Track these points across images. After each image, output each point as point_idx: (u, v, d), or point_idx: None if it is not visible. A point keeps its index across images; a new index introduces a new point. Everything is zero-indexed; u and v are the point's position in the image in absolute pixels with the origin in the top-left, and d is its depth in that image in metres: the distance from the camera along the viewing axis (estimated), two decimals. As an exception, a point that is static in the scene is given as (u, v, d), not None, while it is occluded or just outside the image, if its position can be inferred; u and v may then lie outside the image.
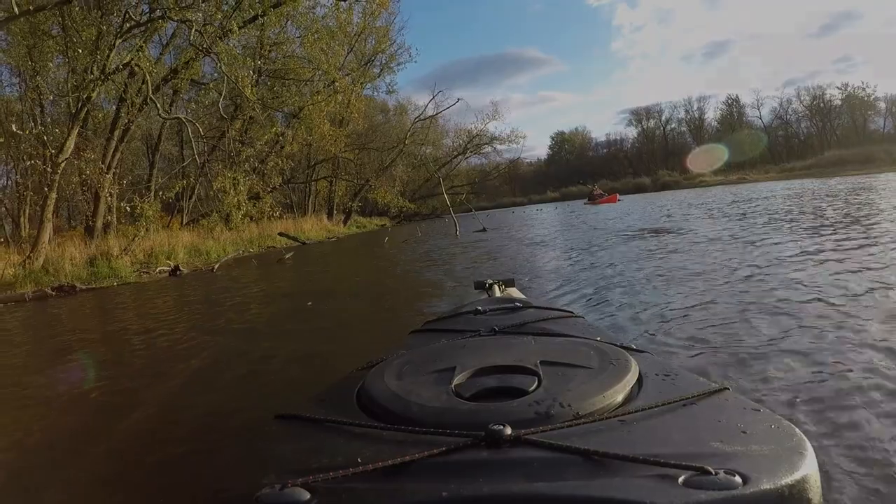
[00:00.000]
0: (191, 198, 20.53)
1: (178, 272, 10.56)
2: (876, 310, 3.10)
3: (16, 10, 8.13)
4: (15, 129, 10.49)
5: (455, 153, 41.84)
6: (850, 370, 2.25)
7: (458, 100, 41.21)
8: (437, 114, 35.73)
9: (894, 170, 29.65)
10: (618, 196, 35.63)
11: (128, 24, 10.15)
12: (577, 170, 61.75)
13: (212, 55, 11.34)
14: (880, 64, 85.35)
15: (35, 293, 8.15)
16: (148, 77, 10.68)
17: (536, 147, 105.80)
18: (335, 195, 30.98)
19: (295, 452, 0.94)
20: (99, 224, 13.70)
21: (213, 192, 14.99)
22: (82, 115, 11.21)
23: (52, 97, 13.85)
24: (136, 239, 11.72)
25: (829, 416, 1.84)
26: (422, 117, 35.36)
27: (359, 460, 0.81)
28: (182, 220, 19.41)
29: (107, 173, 12.04)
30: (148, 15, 10.69)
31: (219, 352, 3.89)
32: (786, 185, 28.63)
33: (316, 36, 17.25)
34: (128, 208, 11.44)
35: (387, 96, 32.17)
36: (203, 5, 10.17)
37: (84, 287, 8.68)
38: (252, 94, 11.64)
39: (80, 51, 9.97)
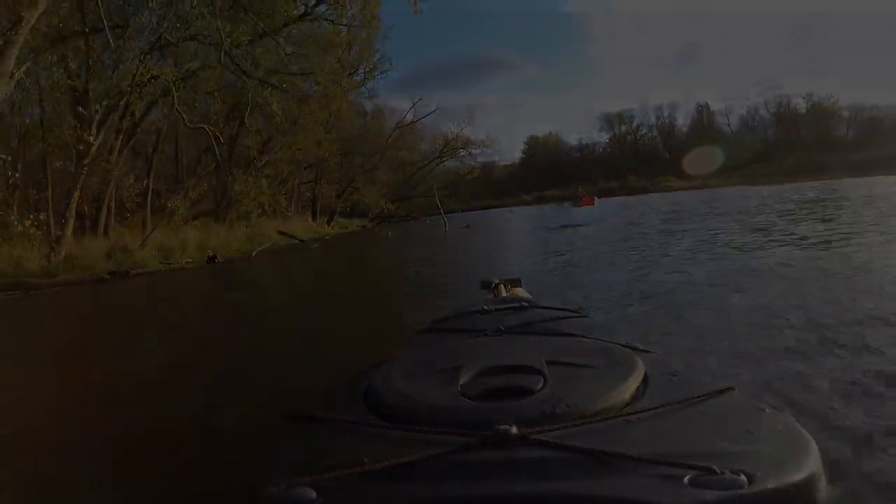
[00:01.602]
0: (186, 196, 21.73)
1: (215, 260, 11.95)
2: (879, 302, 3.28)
3: (110, 36, 9.24)
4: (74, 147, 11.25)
5: (432, 157, 43.30)
6: (854, 365, 2.30)
7: (436, 108, 43.18)
8: (416, 120, 37.45)
9: (847, 175, 31.64)
10: (595, 199, 36.52)
11: (160, 42, 11.40)
12: (551, 174, 63.22)
13: (236, 74, 12.65)
14: (847, 71, 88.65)
15: (93, 277, 9.42)
16: (174, 90, 11.92)
17: (511, 150, 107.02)
18: (320, 197, 32.04)
19: (302, 451, 0.96)
20: (102, 220, 14.87)
21: (225, 193, 16.29)
22: (108, 121, 12.40)
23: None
24: (152, 232, 13.00)
25: (834, 415, 1.86)
26: (402, 124, 37.03)
27: (365, 460, 0.80)
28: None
29: (130, 177, 13.21)
30: (180, 36, 11.94)
31: (239, 346, 4.18)
32: (738, 189, 30.36)
33: (307, 52, 18.64)
34: (168, 204, 12.65)
35: (365, 100, 33.53)
36: (223, 25, 11.45)
37: (136, 272, 9.97)
38: (278, 109, 13.07)
39: (121, 66, 11.14)
